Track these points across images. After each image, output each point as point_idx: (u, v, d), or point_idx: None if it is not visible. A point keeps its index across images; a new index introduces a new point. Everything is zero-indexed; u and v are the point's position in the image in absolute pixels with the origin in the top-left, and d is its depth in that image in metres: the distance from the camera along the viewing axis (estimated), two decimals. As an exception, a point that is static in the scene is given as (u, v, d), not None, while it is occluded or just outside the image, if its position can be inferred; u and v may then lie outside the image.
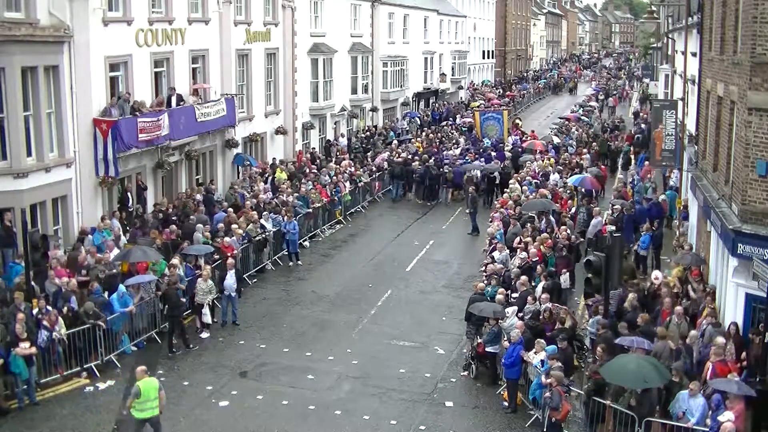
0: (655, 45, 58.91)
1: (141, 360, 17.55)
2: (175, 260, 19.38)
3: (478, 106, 52.23)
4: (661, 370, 13.69)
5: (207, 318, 19.07)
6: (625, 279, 18.67)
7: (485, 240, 24.76)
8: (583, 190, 27.63)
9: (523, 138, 42.09)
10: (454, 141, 41.99)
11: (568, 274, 19.99)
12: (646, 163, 31.75)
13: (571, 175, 30.21)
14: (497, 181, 33.05)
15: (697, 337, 15.36)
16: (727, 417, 12.12)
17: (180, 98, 25.49)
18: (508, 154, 36.46)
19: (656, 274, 18.85)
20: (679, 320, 16.11)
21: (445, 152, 37.62)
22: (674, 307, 16.50)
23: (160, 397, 13.39)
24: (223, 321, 19.83)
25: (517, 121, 49.48)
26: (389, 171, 34.83)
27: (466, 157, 35.96)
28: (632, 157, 37.97)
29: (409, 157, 35.57)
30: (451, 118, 50.95)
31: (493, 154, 36.86)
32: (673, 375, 14.01)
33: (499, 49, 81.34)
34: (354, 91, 41.59)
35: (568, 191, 27.98)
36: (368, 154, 37.07)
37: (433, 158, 35.13)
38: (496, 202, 29.06)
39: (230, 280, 19.87)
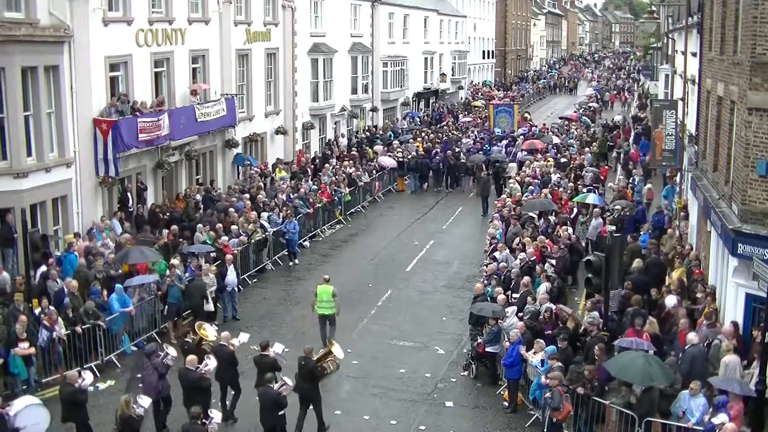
0: (655, 45, 58.85)
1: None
2: (175, 260, 19.39)
3: (477, 106, 52.51)
4: (666, 370, 13.66)
5: (210, 306, 19.11)
6: (633, 258, 19.02)
7: (485, 240, 24.73)
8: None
9: (532, 131, 43.13)
10: (463, 135, 42.98)
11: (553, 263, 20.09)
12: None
13: (574, 178, 30.20)
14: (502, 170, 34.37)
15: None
16: (720, 419, 12.09)
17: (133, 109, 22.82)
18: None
19: (672, 301, 17.08)
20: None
21: (459, 141, 39.32)
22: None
23: (334, 301, 17.75)
24: (224, 317, 19.95)
25: (526, 114, 50.10)
26: (406, 164, 35.52)
27: (486, 146, 37.67)
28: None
29: (410, 156, 35.83)
30: (450, 119, 50.98)
31: (501, 143, 39.16)
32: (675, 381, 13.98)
33: (499, 49, 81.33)
34: (354, 91, 41.57)
35: (569, 192, 27.91)
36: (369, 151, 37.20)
37: (447, 150, 36.44)
38: (496, 202, 29.04)
39: (231, 275, 20.19)
